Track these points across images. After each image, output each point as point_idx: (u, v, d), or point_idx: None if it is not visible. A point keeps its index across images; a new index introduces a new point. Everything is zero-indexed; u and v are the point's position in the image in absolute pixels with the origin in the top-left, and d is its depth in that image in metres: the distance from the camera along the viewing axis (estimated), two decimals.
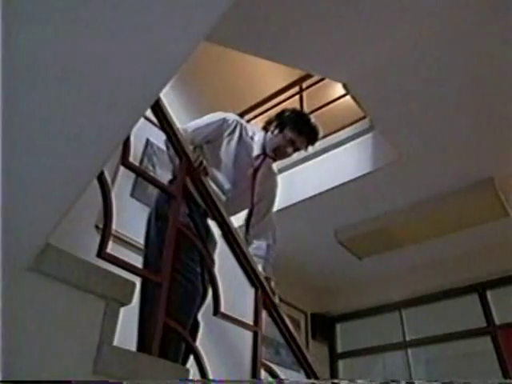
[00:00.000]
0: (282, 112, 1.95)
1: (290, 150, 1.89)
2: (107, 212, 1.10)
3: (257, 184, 1.86)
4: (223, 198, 1.74)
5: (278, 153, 1.90)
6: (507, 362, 3.22)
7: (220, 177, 1.77)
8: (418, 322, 3.90)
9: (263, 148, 1.90)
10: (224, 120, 1.84)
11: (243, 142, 1.85)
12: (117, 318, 0.97)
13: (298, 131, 1.86)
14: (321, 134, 1.95)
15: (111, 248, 1.07)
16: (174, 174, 1.76)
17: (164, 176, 2.01)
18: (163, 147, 1.85)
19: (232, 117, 1.89)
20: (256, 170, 1.87)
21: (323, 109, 3.53)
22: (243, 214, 1.94)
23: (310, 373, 1.58)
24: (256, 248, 1.82)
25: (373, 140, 3.02)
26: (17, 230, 0.78)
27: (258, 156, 1.88)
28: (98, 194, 1.09)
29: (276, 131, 1.89)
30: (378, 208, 3.33)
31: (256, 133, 1.94)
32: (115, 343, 0.94)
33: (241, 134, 1.85)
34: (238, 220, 1.82)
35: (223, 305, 1.34)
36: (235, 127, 1.85)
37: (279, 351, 3.24)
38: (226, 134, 1.82)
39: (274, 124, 1.92)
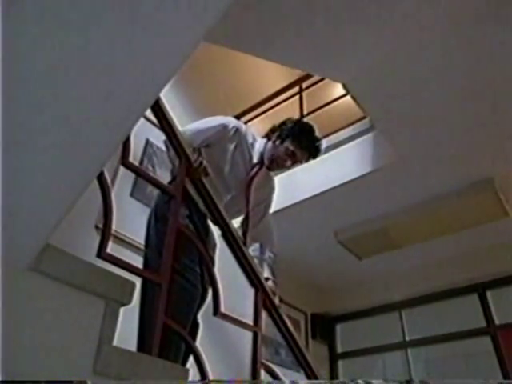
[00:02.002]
0: (285, 122, 1.89)
1: (288, 162, 1.84)
2: (107, 212, 1.10)
3: (251, 193, 1.82)
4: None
5: (275, 164, 1.85)
6: (507, 362, 3.21)
7: (216, 182, 1.76)
8: (417, 322, 3.89)
9: (261, 157, 1.85)
10: (223, 126, 1.79)
11: (241, 150, 1.81)
12: (117, 318, 0.97)
13: (299, 145, 1.81)
14: (323, 148, 1.90)
15: (111, 248, 1.07)
16: (172, 174, 1.75)
17: (164, 176, 2.01)
18: (163, 147, 1.85)
19: (232, 123, 1.83)
20: (251, 179, 1.83)
21: (323, 109, 3.54)
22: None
23: (310, 373, 1.58)
24: (254, 249, 1.82)
25: (373, 140, 3.02)
26: (17, 230, 0.78)
27: (255, 165, 1.84)
28: (98, 194, 1.09)
29: (277, 142, 1.84)
30: (378, 208, 3.33)
31: (257, 140, 1.89)
32: (115, 343, 0.94)
33: (239, 141, 1.81)
34: (236, 221, 1.82)
35: (223, 305, 1.34)
36: (234, 134, 1.80)
37: (279, 351, 3.24)
38: (225, 140, 1.78)
39: (276, 134, 1.86)
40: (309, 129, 1.88)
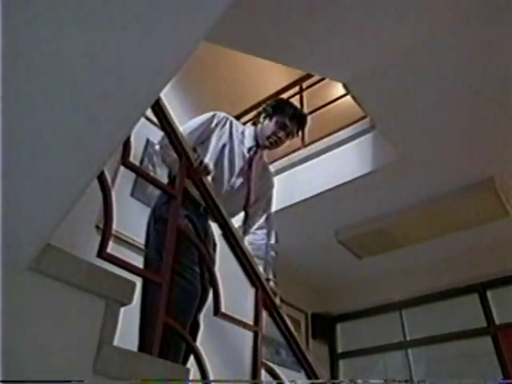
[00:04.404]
0: (269, 103, 2.03)
1: (281, 134, 1.93)
2: (107, 212, 1.10)
3: (253, 175, 1.87)
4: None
5: (272, 140, 1.93)
6: (507, 362, 3.21)
7: (215, 175, 1.76)
8: (417, 321, 3.89)
9: (256, 140, 1.94)
10: (214, 116, 1.87)
11: (234, 137, 1.88)
12: (117, 318, 0.97)
13: (287, 116, 1.92)
14: (309, 119, 2.04)
15: (111, 248, 1.07)
16: (170, 177, 1.75)
17: (164, 176, 2.01)
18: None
19: (222, 113, 1.93)
20: (250, 162, 1.89)
21: (323, 109, 3.54)
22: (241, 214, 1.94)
23: (311, 373, 1.58)
24: (255, 249, 1.82)
25: (373, 140, 3.02)
26: (17, 230, 0.78)
27: (251, 147, 1.92)
28: (98, 193, 1.09)
29: (266, 121, 1.95)
30: (378, 208, 3.32)
31: (246, 129, 1.98)
32: (115, 343, 0.94)
33: (231, 130, 1.89)
34: (237, 221, 1.82)
35: (223, 305, 1.34)
36: (225, 123, 1.89)
37: (279, 351, 3.24)
38: (217, 129, 1.85)
39: (263, 115, 1.98)
40: (289, 101, 2.07)
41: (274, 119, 1.92)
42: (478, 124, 2.64)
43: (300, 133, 2.05)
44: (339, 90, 3.21)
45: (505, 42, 2.13)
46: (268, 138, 1.92)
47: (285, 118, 1.92)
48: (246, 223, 1.87)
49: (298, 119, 1.96)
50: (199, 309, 1.59)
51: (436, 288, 3.80)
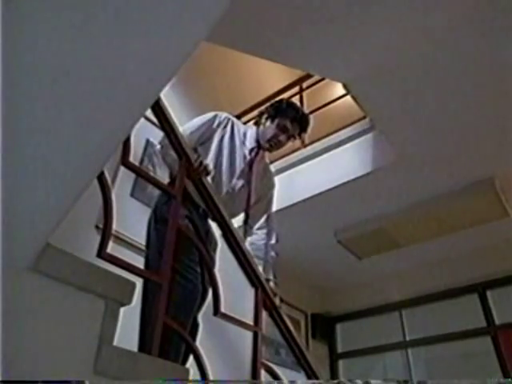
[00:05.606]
0: (272, 104, 2.01)
1: (282, 137, 1.92)
2: (107, 212, 1.10)
3: (253, 177, 1.87)
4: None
5: (273, 143, 1.92)
6: (507, 362, 3.21)
7: (216, 175, 1.77)
8: (417, 322, 3.89)
9: (257, 141, 1.93)
10: (216, 116, 1.87)
11: (236, 138, 1.88)
12: (117, 318, 0.97)
13: (289, 119, 1.90)
14: (312, 121, 2.00)
15: (111, 248, 1.07)
16: (171, 177, 1.76)
17: (164, 176, 2.01)
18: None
19: (223, 114, 1.92)
20: (251, 162, 1.88)
21: (323, 109, 3.53)
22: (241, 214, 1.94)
23: (310, 373, 1.58)
24: (256, 249, 1.82)
25: (373, 140, 3.02)
26: (17, 230, 0.78)
27: (253, 149, 1.91)
28: (98, 193, 1.09)
29: (268, 122, 1.93)
30: (378, 208, 3.32)
31: (248, 129, 1.97)
32: (115, 343, 0.94)
33: (233, 130, 1.88)
34: (237, 221, 1.82)
35: (223, 305, 1.34)
36: (227, 123, 1.88)
37: (279, 351, 3.24)
38: (219, 130, 1.85)
39: (265, 116, 1.96)
40: (294, 105, 2.01)
41: (276, 121, 1.90)
42: (477, 124, 2.64)
43: (302, 135, 2.01)
44: (339, 90, 3.21)
45: (505, 41, 2.13)
46: (269, 140, 1.91)
47: (286, 120, 1.90)
48: (247, 224, 1.87)
49: (299, 122, 1.93)
50: (198, 308, 1.59)
51: (436, 288, 3.80)
